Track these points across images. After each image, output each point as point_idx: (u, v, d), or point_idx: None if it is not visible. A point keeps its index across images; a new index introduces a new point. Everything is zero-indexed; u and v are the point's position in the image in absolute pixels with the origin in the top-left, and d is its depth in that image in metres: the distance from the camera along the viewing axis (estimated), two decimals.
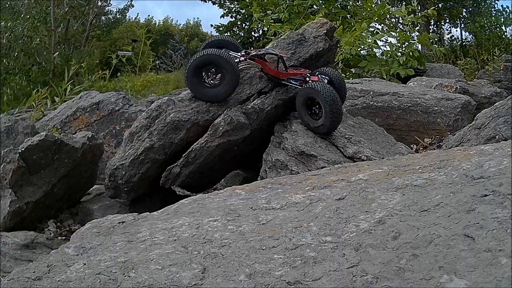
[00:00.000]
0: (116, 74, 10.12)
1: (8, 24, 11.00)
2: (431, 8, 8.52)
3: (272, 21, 7.86)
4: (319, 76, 3.30)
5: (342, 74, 3.53)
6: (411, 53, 6.95)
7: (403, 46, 7.11)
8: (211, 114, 3.25)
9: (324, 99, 3.04)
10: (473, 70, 8.38)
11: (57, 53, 11.50)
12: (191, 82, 3.26)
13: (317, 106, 3.14)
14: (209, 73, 3.23)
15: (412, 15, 7.57)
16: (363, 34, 7.11)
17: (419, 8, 7.47)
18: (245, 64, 3.37)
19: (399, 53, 7.02)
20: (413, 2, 7.38)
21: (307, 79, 3.23)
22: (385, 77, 6.52)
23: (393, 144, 3.40)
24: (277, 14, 8.11)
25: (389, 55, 7.03)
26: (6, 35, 11.03)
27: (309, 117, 3.20)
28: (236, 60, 3.26)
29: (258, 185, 2.05)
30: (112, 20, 20.56)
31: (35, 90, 7.12)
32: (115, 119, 4.86)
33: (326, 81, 3.27)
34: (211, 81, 3.25)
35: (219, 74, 3.20)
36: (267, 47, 3.49)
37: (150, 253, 1.50)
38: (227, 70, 3.16)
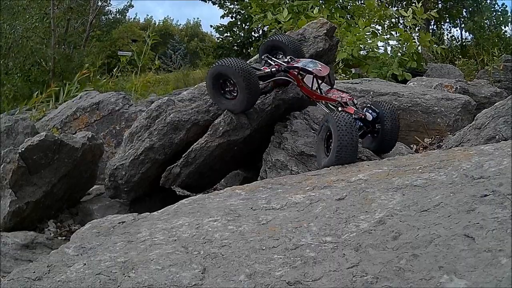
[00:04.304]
0: (116, 74, 10.13)
1: (6, 25, 10.99)
2: (434, 11, 8.50)
3: (271, 21, 7.83)
4: (365, 111, 2.76)
5: (396, 109, 2.90)
6: (411, 54, 6.93)
7: (404, 46, 7.09)
8: (211, 114, 3.25)
9: (337, 133, 2.41)
10: (473, 70, 8.36)
11: (51, 49, 11.45)
12: (210, 89, 3.04)
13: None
14: (228, 83, 2.95)
15: (414, 15, 7.55)
16: (366, 34, 7.10)
17: (423, 10, 7.44)
18: (270, 81, 3.00)
19: (399, 54, 7.00)
20: (417, 4, 7.34)
21: (340, 108, 2.66)
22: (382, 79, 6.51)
23: None
24: (277, 14, 8.10)
25: (390, 55, 7.01)
26: (4, 36, 11.04)
27: (322, 151, 2.61)
28: (257, 74, 2.87)
29: (258, 185, 2.05)
30: (112, 20, 20.57)
31: (36, 92, 7.12)
32: (115, 119, 4.87)
33: (371, 117, 2.73)
34: (229, 92, 2.99)
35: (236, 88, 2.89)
36: (305, 61, 2.91)
37: (150, 253, 1.50)
38: (240, 86, 2.84)
